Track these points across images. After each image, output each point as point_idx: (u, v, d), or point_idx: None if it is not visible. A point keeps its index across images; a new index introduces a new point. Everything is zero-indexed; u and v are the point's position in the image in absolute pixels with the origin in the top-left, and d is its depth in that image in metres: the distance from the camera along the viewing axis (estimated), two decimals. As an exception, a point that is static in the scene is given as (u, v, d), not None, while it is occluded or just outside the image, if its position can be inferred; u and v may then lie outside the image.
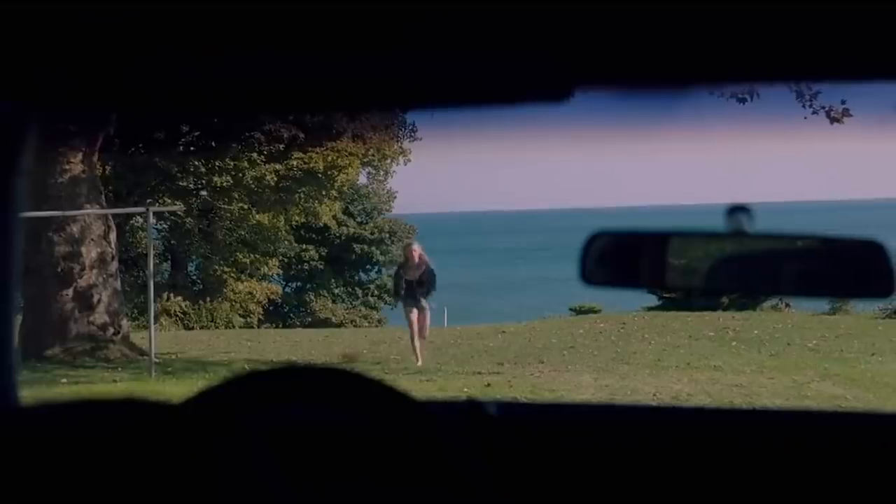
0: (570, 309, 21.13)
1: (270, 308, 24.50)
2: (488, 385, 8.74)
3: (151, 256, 11.80)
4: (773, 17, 0.88)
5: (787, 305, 16.82)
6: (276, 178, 18.17)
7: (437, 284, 11.06)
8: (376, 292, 28.71)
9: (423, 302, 10.99)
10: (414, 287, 10.99)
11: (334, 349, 12.63)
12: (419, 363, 10.72)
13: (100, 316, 11.92)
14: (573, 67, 0.97)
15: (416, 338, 10.88)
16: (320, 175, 17.98)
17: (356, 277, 29.30)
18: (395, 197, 29.60)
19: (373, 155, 19.96)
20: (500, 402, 1.59)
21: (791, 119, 10.55)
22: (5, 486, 0.96)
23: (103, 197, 12.87)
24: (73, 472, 0.97)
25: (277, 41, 0.96)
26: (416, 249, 11.29)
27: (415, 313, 10.94)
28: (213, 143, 16.37)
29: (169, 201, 18.54)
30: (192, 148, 16.98)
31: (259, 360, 11.65)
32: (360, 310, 27.51)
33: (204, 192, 19.91)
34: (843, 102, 10.30)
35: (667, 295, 18.23)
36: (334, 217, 24.34)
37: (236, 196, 19.15)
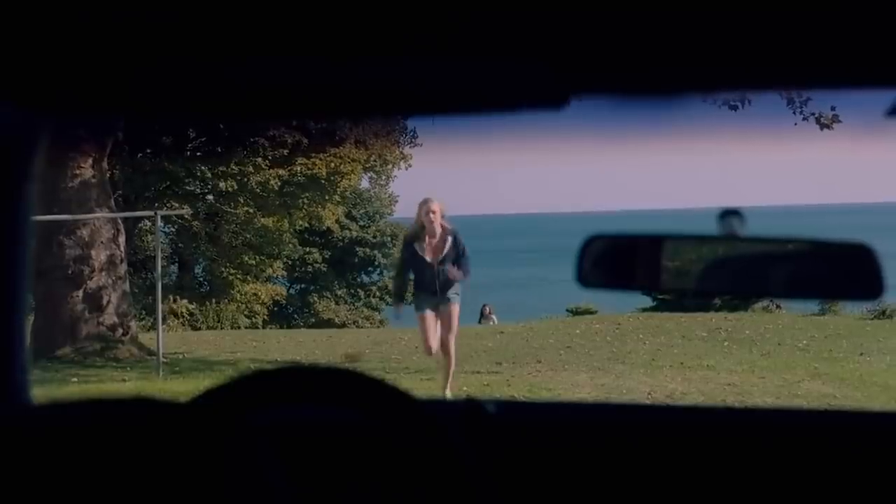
0: (567, 310, 21.16)
1: (275, 309, 24.63)
2: (487, 384, 8.71)
3: (159, 259, 11.95)
4: (765, 26, 0.90)
5: (778, 307, 16.68)
6: (280, 183, 18.11)
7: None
8: (378, 294, 28.87)
9: (451, 294, 7.31)
10: (431, 275, 7.20)
11: (337, 349, 12.59)
12: (447, 391, 7.37)
13: (109, 317, 11.96)
14: (571, 75, 0.99)
15: (442, 364, 7.57)
16: (323, 180, 17.91)
17: (358, 279, 29.38)
18: (397, 201, 29.75)
19: (374, 160, 19.86)
20: (499, 401, 1.60)
21: (782, 125, 10.42)
22: (18, 482, 0.97)
23: (112, 201, 12.91)
24: (83, 469, 0.99)
25: (280, 49, 0.98)
26: (438, 210, 7.19)
27: (431, 316, 7.31)
28: (219, 149, 16.31)
29: (176, 205, 18.51)
30: (198, 153, 17.00)
31: (264, 359, 11.64)
32: (362, 311, 27.63)
33: (210, 197, 19.89)
34: (832, 109, 10.25)
35: (661, 296, 18.23)
36: (337, 221, 24.27)
37: (241, 200, 19.06)
